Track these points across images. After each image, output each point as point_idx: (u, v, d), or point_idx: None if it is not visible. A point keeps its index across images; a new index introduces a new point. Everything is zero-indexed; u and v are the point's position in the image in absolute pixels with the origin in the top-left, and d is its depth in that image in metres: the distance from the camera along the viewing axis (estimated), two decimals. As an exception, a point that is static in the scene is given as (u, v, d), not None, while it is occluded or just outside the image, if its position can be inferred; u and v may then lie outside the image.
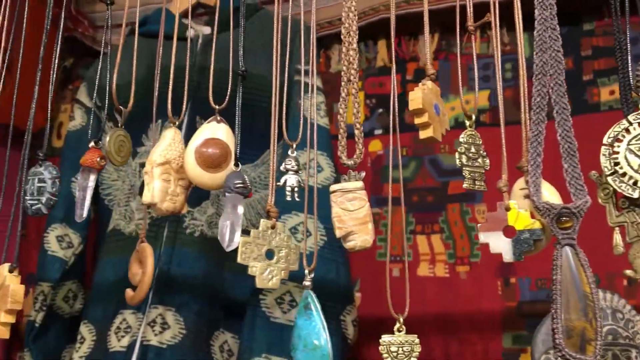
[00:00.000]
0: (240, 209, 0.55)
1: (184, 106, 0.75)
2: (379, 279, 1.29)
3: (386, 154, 1.29)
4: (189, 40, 1.20)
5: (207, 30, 1.31)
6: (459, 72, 0.73)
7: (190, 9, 1.38)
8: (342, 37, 0.66)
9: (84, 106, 1.33)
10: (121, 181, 1.24)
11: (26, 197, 0.62)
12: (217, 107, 0.63)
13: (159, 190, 0.56)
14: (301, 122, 1.18)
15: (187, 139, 1.16)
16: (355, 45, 0.65)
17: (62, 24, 0.93)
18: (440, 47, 1.31)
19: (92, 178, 0.62)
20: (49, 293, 1.19)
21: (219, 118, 0.60)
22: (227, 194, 0.55)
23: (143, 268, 0.58)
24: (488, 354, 1.13)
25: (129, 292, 0.63)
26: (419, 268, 1.22)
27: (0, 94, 1.01)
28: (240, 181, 0.55)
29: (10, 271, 0.61)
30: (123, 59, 1.40)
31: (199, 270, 1.11)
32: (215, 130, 0.58)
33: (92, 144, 0.63)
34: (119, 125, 0.65)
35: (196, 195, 1.16)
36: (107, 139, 0.63)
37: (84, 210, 0.62)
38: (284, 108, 1.22)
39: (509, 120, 0.73)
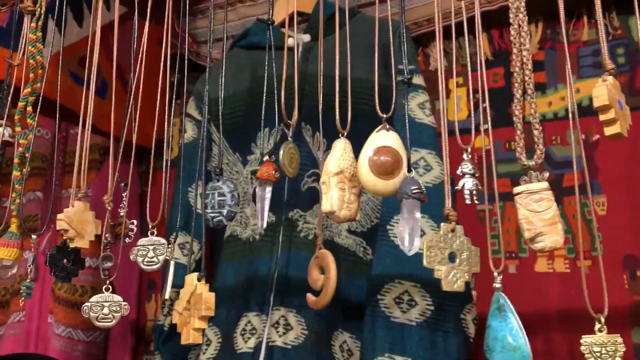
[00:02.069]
0: (418, 214, 0.56)
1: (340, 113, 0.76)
2: (491, 275, 1.27)
3: (494, 148, 1.27)
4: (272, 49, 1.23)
5: (306, 38, 1.34)
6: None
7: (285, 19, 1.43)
8: (511, 38, 0.66)
9: (194, 119, 1.39)
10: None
11: (207, 210, 0.66)
12: (384, 115, 0.64)
13: (336, 198, 0.58)
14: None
15: (294, 143, 1.23)
16: (528, 46, 0.65)
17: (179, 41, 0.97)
18: (545, 36, 1.28)
19: (269, 189, 0.66)
20: (175, 298, 1.26)
21: (387, 126, 0.62)
22: (404, 199, 0.56)
23: (327, 273, 0.61)
24: (617, 350, 1.09)
25: (310, 296, 0.66)
26: (536, 264, 1.19)
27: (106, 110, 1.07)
28: (416, 187, 0.56)
29: (199, 280, 0.65)
30: (225, 72, 1.46)
31: (315, 273, 1.14)
32: (385, 138, 0.60)
33: (266, 157, 0.67)
34: (286, 137, 0.68)
35: (307, 199, 1.19)
36: (281, 152, 0.66)
37: (263, 220, 0.66)
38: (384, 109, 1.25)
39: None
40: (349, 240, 1.18)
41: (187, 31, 1.61)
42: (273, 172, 0.65)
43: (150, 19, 1.16)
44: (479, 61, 0.67)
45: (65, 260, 0.78)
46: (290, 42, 1.33)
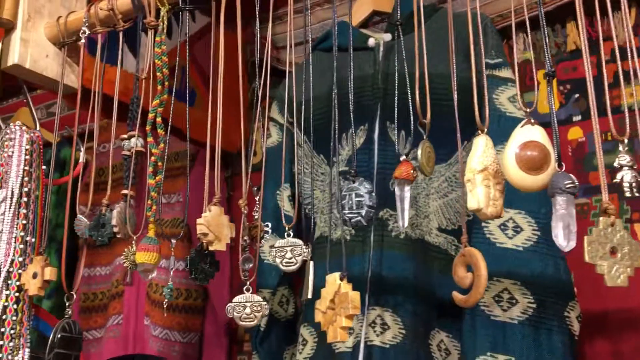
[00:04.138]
0: (573, 210, 0.55)
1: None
2: (594, 272, 1.23)
3: (588, 140, 1.23)
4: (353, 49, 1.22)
5: (387, 37, 1.33)
6: None
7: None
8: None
9: (278, 123, 1.41)
10: (319, 191, 1.30)
11: (344, 212, 0.67)
12: (527, 110, 0.63)
13: (483, 196, 0.58)
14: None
15: (379, 143, 1.22)
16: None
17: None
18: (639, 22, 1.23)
19: (407, 189, 0.66)
20: (270, 299, 1.29)
21: (532, 120, 0.61)
22: (557, 195, 0.55)
23: (477, 271, 0.60)
24: None
25: (457, 295, 0.66)
26: (641, 258, 1.14)
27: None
28: (570, 181, 0.55)
29: (341, 279, 0.66)
30: (307, 75, 1.47)
31: (408, 272, 1.13)
32: (531, 132, 0.59)
33: (403, 157, 0.68)
34: (425, 136, 0.68)
35: (393, 197, 1.19)
36: (419, 151, 0.67)
37: (404, 220, 0.67)
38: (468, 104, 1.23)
39: None
40: (440, 238, 1.17)
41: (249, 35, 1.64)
42: (412, 171, 0.65)
43: (229, 27, 1.19)
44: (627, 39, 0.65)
45: (202, 263, 0.82)
46: (371, 42, 1.33)
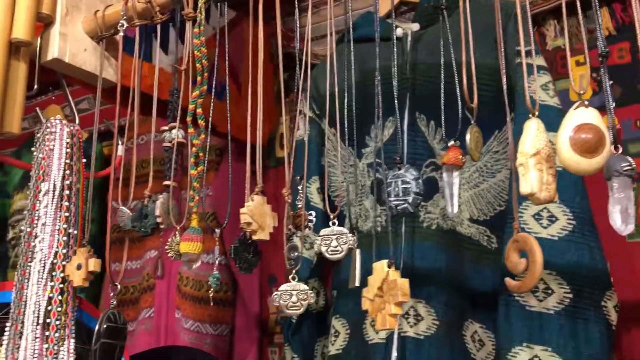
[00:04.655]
0: (630, 193, 0.55)
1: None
2: (631, 261, 1.22)
3: (623, 127, 1.21)
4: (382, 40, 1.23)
5: (415, 27, 1.32)
6: None
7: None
8: None
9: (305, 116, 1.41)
10: (347, 182, 1.30)
11: (390, 199, 0.67)
12: (580, 92, 0.63)
13: (536, 180, 0.58)
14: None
15: (409, 134, 1.22)
16: None
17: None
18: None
19: (456, 174, 0.66)
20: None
21: (586, 103, 0.60)
22: (613, 178, 0.54)
23: (531, 257, 0.60)
24: None
25: (510, 281, 0.65)
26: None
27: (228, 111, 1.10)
28: (627, 163, 0.55)
29: (389, 266, 0.66)
30: (333, 68, 1.46)
31: (441, 263, 1.13)
32: (585, 115, 0.59)
33: (451, 142, 0.67)
34: (473, 121, 0.68)
35: (427, 189, 1.18)
36: (468, 136, 0.67)
37: (454, 206, 0.67)
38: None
39: None
40: (472, 229, 1.16)
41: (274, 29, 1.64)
42: (460, 157, 0.65)
43: (256, 20, 1.18)
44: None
45: (246, 253, 0.82)
46: (398, 32, 1.33)
